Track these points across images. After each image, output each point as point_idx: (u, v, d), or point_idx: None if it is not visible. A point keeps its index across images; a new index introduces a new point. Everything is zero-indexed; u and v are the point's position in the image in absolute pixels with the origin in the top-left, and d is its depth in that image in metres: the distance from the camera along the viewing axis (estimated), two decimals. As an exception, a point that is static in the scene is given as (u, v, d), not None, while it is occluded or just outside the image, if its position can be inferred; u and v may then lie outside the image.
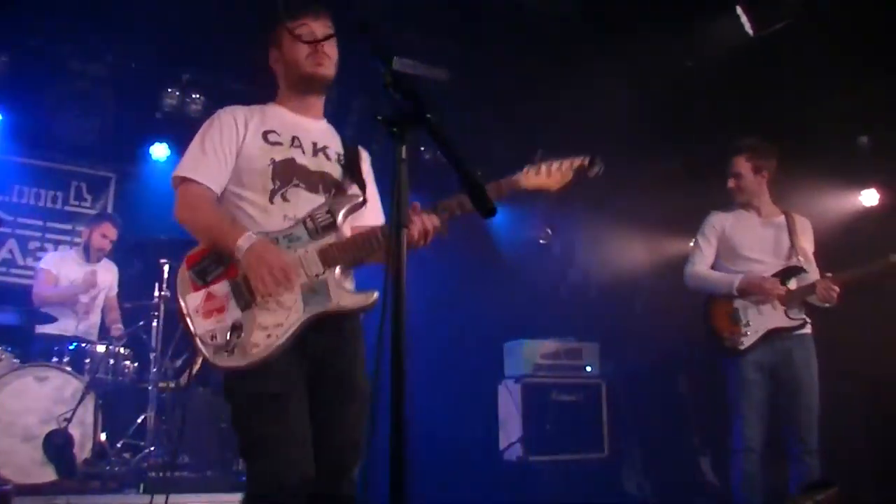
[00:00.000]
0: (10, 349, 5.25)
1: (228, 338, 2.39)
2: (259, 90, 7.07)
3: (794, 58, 5.67)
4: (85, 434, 5.08)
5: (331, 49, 2.72)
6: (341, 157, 2.77)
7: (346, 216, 2.63)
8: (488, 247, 8.35)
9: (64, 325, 5.79)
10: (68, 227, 7.37)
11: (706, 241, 4.63)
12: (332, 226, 2.56)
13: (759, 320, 4.37)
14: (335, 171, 2.72)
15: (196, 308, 2.45)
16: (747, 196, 4.56)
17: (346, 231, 2.63)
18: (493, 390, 7.28)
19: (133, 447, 5.47)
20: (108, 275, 6.21)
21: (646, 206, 7.30)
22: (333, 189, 2.67)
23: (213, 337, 2.40)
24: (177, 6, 5.72)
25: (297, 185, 2.59)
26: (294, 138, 2.68)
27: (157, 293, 5.64)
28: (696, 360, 6.69)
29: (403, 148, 1.78)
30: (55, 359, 5.35)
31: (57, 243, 7.28)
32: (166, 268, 5.61)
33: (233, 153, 2.62)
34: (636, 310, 7.55)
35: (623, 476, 6.94)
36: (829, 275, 4.32)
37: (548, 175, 2.70)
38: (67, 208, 7.44)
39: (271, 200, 2.57)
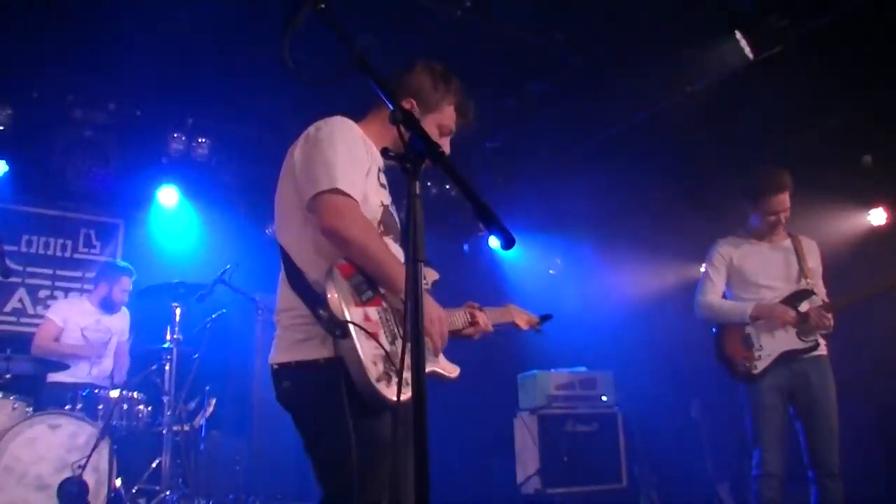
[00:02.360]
0: (22, 398, 5.23)
1: (385, 367, 2.28)
2: (263, 133, 7.16)
3: (793, 80, 5.71)
4: (100, 480, 5.05)
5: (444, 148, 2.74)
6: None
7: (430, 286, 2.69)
8: (498, 278, 8.36)
9: (76, 372, 5.78)
10: (78, 274, 7.40)
11: (715, 270, 4.62)
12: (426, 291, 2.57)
13: (772, 344, 4.35)
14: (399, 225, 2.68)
15: (360, 323, 2.28)
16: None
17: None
18: (509, 423, 7.23)
19: (148, 492, 5.44)
20: (120, 322, 6.23)
21: (655, 234, 7.31)
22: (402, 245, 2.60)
23: (375, 363, 2.26)
24: (178, 52, 5.79)
25: (391, 237, 2.55)
26: (384, 185, 2.62)
27: (168, 337, 5.64)
28: (709, 386, 6.65)
29: (416, 183, 1.78)
30: (68, 406, 5.34)
31: (67, 290, 7.31)
32: (178, 311, 5.62)
33: (365, 175, 2.46)
34: (648, 337, 7.52)
35: (641, 505, 6.88)
36: (825, 301, 4.33)
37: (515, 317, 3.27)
38: (77, 256, 7.47)
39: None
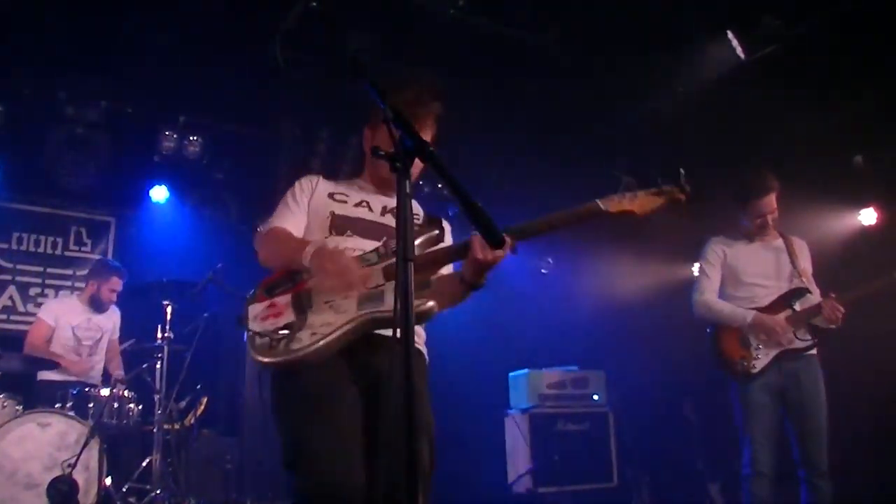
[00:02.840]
0: (12, 396, 5.21)
1: (278, 337, 2.42)
2: (254, 131, 7.17)
3: (784, 80, 5.72)
4: (90, 479, 5.03)
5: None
6: (416, 218, 2.79)
7: (421, 246, 2.61)
8: (489, 278, 8.34)
9: (67, 371, 5.77)
10: (69, 272, 7.38)
11: (711, 267, 4.64)
12: None
13: (769, 343, 4.36)
14: None
15: (255, 314, 2.53)
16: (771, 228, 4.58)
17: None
18: (500, 422, 7.24)
19: (139, 491, 5.42)
20: (110, 320, 6.21)
21: (645, 233, 7.32)
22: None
23: (262, 335, 2.44)
24: (170, 50, 5.77)
25: (349, 236, 2.71)
26: (362, 201, 2.83)
27: (159, 335, 5.63)
28: (700, 385, 6.66)
29: (407, 182, 1.78)
30: (58, 404, 5.32)
31: (58, 289, 7.28)
32: (169, 309, 5.61)
33: (306, 204, 2.81)
34: (639, 336, 7.53)
35: (632, 504, 6.89)
36: (833, 295, 4.33)
37: (631, 201, 2.71)
38: (67, 254, 7.45)
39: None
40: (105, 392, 5.47)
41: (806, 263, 4.57)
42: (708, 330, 4.61)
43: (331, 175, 3.01)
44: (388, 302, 2.39)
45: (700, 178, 6.65)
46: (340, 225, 2.73)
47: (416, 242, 2.59)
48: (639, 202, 2.69)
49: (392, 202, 2.79)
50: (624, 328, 7.63)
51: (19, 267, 7.20)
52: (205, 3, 5.20)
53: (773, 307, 4.42)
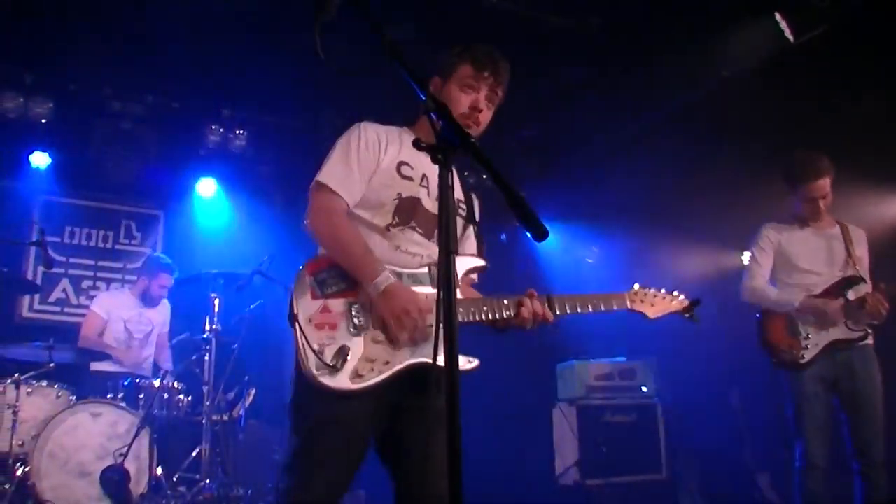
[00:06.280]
0: (65, 386, 5.34)
1: (334, 358, 2.35)
2: (299, 123, 7.19)
3: (832, 61, 5.57)
4: (140, 469, 5.12)
5: (486, 116, 2.72)
6: (462, 207, 2.75)
7: (465, 275, 2.66)
8: (536, 268, 8.30)
9: (118, 362, 5.88)
10: (119, 265, 7.51)
11: (763, 253, 4.54)
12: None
13: (820, 333, 4.26)
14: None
15: (310, 317, 2.40)
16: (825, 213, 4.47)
17: (464, 289, 2.64)
18: (547, 413, 7.18)
19: (188, 480, 5.49)
20: (161, 314, 6.32)
21: (692, 221, 7.20)
22: None
23: (322, 352, 2.35)
24: (214, 43, 5.82)
25: (412, 228, 2.59)
26: (424, 176, 2.65)
27: (207, 327, 5.68)
28: (749, 374, 6.54)
29: (449, 174, 1.76)
30: (109, 395, 5.42)
31: (109, 282, 7.42)
32: (216, 301, 5.66)
33: (370, 172, 2.59)
34: (688, 326, 7.40)
35: (679, 497, 6.79)
36: (883, 286, 4.19)
37: (650, 305, 2.98)
38: (118, 247, 7.58)
39: (387, 232, 2.56)
40: (155, 383, 5.55)
41: (862, 252, 4.45)
42: (756, 316, 4.52)
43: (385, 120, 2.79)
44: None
45: (747, 166, 6.54)
46: (406, 212, 2.59)
47: (465, 269, 2.64)
48: (656, 307, 3.02)
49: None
50: (672, 318, 7.51)
51: (72, 260, 7.35)
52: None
53: (826, 296, 4.31)
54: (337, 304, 2.44)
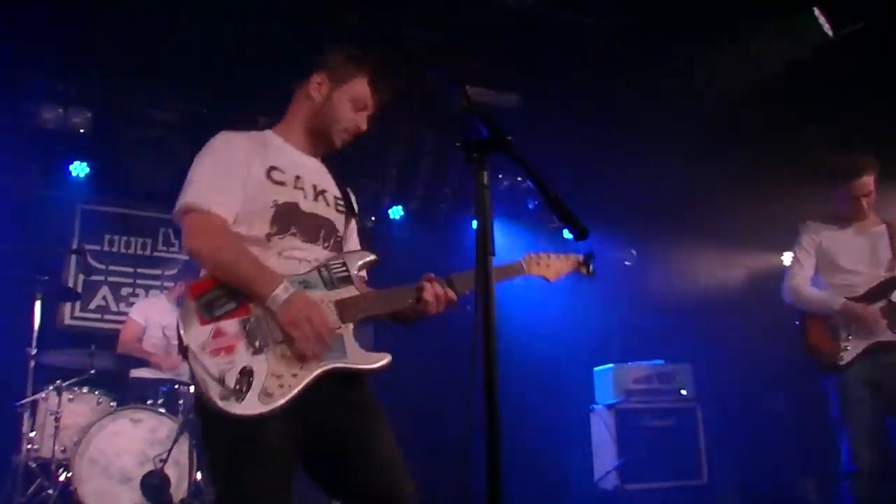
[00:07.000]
0: (106, 393, 5.42)
1: (238, 382, 2.17)
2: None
3: (872, 57, 5.46)
4: (181, 474, 5.15)
5: (366, 124, 2.67)
6: (340, 203, 2.66)
7: (359, 270, 2.55)
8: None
9: (157, 368, 5.92)
10: (158, 272, 7.58)
11: (805, 253, 4.46)
12: (348, 279, 2.48)
13: (860, 334, 4.17)
14: (336, 218, 2.61)
15: (202, 344, 2.21)
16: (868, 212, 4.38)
17: (359, 285, 2.54)
18: (585, 418, 7.12)
19: (227, 486, 5.51)
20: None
21: (734, 222, 7.10)
22: (332, 240, 2.57)
23: (223, 379, 2.17)
24: (242, 53, 5.87)
25: (293, 235, 2.46)
26: (297, 178, 2.54)
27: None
28: (791, 377, 6.43)
29: (485, 174, 1.73)
30: (150, 401, 5.46)
31: (147, 288, 7.49)
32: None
33: (242, 177, 2.44)
34: (727, 328, 7.31)
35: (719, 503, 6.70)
36: None
37: (546, 266, 2.96)
38: (156, 254, 7.65)
39: (267, 243, 2.43)
40: (194, 389, 5.58)
41: (909, 252, 4.34)
42: (797, 322, 4.44)
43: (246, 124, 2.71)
44: (349, 352, 2.36)
45: (788, 166, 6.43)
46: (284, 219, 2.45)
47: (357, 264, 2.55)
48: (552, 269, 2.99)
49: (316, 176, 2.63)
50: (711, 320, 7.42)
51: (111, 268, 7.43)
52: (274, 6, 5.25)
53: (869, 297, 4.22)
54: (230, 326, 2.26)
